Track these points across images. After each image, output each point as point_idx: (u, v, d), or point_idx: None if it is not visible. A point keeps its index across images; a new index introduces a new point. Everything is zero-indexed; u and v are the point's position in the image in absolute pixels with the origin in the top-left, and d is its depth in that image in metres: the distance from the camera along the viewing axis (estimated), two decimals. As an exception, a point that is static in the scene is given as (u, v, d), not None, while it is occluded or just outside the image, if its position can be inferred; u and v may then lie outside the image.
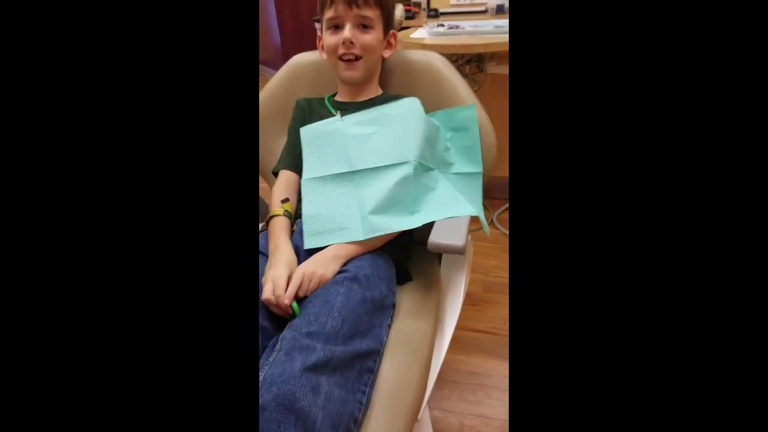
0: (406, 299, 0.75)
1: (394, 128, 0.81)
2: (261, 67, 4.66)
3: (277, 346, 0.57)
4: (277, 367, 0.52)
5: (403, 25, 1.47)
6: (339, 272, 0.68)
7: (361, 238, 0.72)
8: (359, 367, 0.57)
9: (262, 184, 1.04)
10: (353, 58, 0.83)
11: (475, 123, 0.85)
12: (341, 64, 0.84)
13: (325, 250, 0.72)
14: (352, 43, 0.81)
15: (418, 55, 0.93)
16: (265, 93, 1.02)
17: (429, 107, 0.86)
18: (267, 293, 0.63)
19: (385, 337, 0.64)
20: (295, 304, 0.63)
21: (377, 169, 0.78)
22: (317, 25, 2.46)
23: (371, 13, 0.80)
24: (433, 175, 0.82)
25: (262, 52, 4.50)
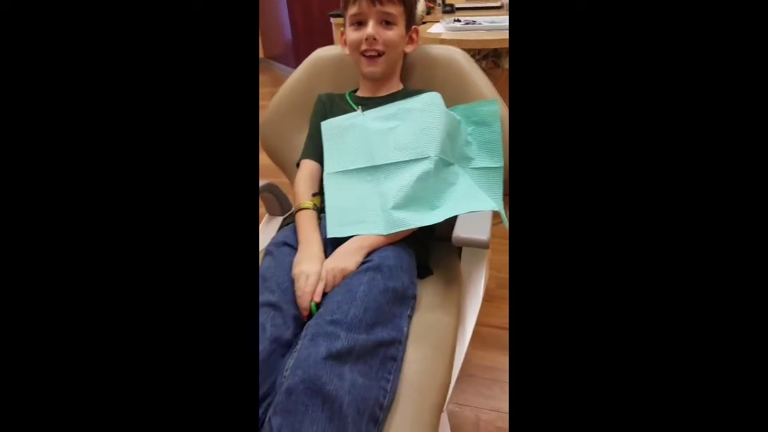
0: (428, 293, 0.76)
1: (415, 123, 0.82)
2: (272, 62, 4.68)
3: (302, 333, 0.58)
4: (303, 352, 0.54)
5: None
6: (363, 262, 0.69)
7: (384, 233, 0.73)
8: (382, 355, 0.58)
9: (282, 179, 1.05)
10: (375, 54, 0.83)
11: (497, 118, 0.85)
12: (363, 59, 0.85)
13: (348, 242, 0.73)
14: (375, 39, 0.81)
15: (439, 50, 0.94)
16: (285, 87, 1.03)
17: (450, 102, 0.87)
18: (300, 291, 0.65)
19: (405, 328, 0.64)
20: (313, 305, 0.65)
21: (398, 164, 0.79)
22: (332, 21, 2.46)
23: (394, 10, 0.81)
24: (453, 170, 0.83)
25: (274, 47, 4.51)
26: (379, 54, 0.83)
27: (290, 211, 1.08)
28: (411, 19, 0.86)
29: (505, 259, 1.53)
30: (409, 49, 0.89)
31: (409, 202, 0.76)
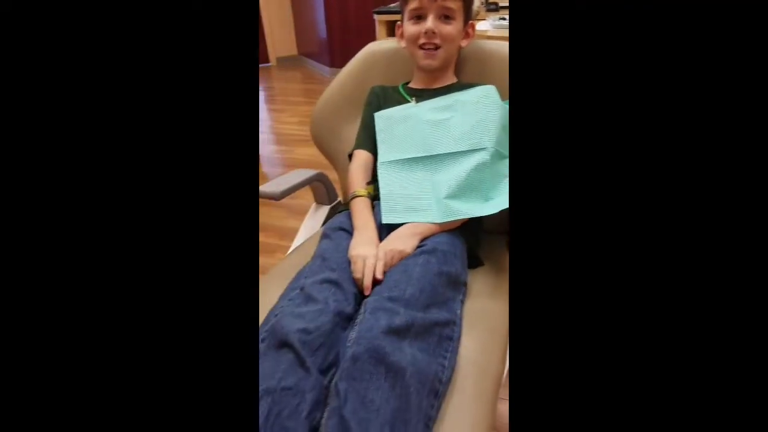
0: (479, 281, 0.77)
1: (470, 115, 0.83)
2: (306, 59, 4.75)
3: (361, 309, 0.61)
4: (364, 324, 0.56)
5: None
6: (418, 246, 0.71)
7: (438, 221, 0.75)
8: (439, 333, 0.59)
9: (330, 173, 1.08)
10: (433, 47, 0.85)
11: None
12: (420, 52, 0.86)
13: (402, 227, 0.75)
14: (433, 33, 0.83)
15: (492, 46, 0.95)
16: (337, 82, 1.06)
17: (503, 97, 0.88)
18: (358, 272, 0.68)
19: (459, 311, 0.66)
20: None
21: (453, 155, 0.80)
22: (375, 17, 2.48)
23: (454, 5, 0.82)
24: (506, 163, 0.84)
25: (308, 45, 4.58)
26: (437, 47, 0.85)
27: (336, 201, 1.11)
28: (468, 14, 0.88)
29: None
30: (464, 43, 0.91)
31: (463, 192, 0.77)
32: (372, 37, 2.86)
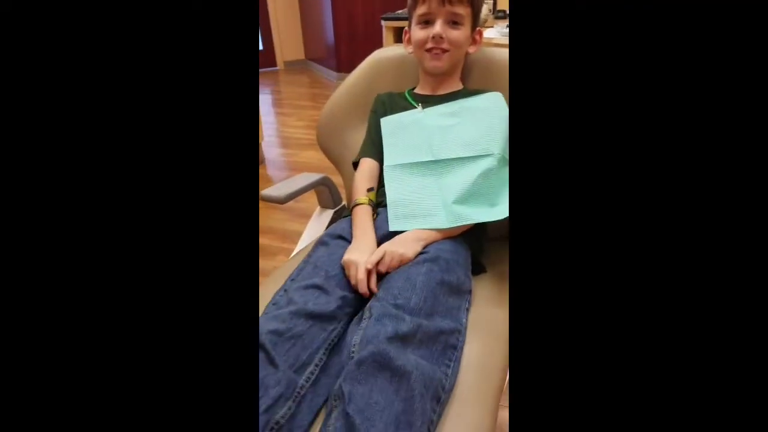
0: (483, 287, 0.77)
1: (477, 121, 0.83)
2: (313, 64, 4.78)
3: (366, 314, 0.60)
4: (370, 330, 0.56)
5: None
6: (420, 253, 0.71)
7: (445, 227, 0.75)
8: (444, 342, 0.59)
9: (336, 177, 1.08)
10: (441, 51, 0.85)
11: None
12: (427, 55, 0.86)
13: (407, 231, 0.75)
14: (441, 38, 0.83)
15: (499, 53, 0.95)
16: (343, 88, 1.06)
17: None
18: (352, 278, 0.68)
19: (464, 320, 0.66)
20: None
21: (460, 160, 0.80)
22: (383, 23, 2.49)
23: (462, 11, 0.83)
24: (512, 170, 0.84)
25: (316, 50, 4.61)
26: (444, 51, 0.85)
27: (340, 205, 1.11)
28: (476, 21, 0.88)
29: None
30: (472, 50, 0.91)
31: (469, 197, 0.77)
32: (379, 43, 2.88)
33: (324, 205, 1.10)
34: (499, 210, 0.76)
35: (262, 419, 0.50)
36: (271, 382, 0.53)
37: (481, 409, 0.56)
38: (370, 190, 0.85)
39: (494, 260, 0.85)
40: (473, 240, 0.81)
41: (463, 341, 0.63)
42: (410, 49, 0.91)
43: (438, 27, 0.82)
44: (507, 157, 0.81)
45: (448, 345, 0.60)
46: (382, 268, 0.68)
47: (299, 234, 1.07)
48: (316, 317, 0.61)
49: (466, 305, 0.69)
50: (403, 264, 0.69)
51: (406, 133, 0.87)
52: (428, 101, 0.90)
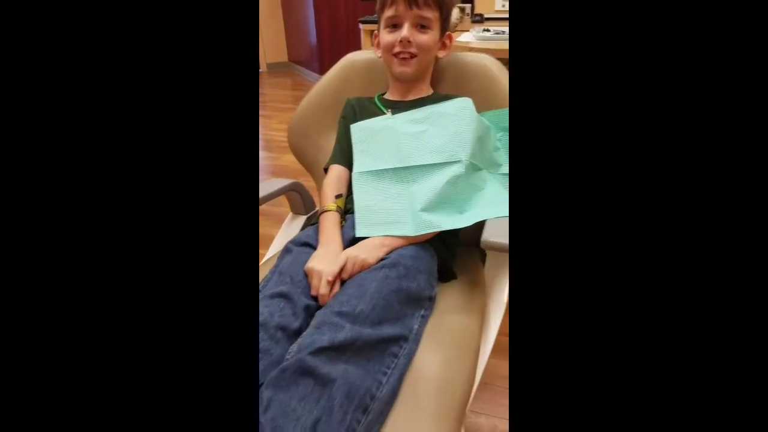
0: (452, 296, 0.76)
1: (446, 127, 0.82)
2: (296, 66, 4.75)
3: (312, 322, 0.60)
4: (306, 339, 0.56)
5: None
6: (381, 259, 0.70)
7: (412, 234, 0.74)
8: (383, 350, 0.58)
9: (308, 182, 1.06)
10: (408, 56, 0.84)
11: (527, 125, 0.85)
12: (395, 59, 0.86)
13: (372, 238, 0.73)
14: (409, 42, 0.82)
15: (471, 58, 0.94)
16: (315, 90, 1.05)
17: (480, 108, 0.87)
18: (314, 290, 0.67)
19: (416, 326, 0.64)
20: None
21: (428, 167, 0.79)
22: (361, 26, 2.48)
23: (430, 14, 0.82)
24: (482, 175, 0.83)
25: (298, 52, 4.58)
26: (412, 56, 0.84)
27: (312, 212, 1.09)
28: (446, 25, 0.87)
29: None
30: (441, 54, 0.90)
31: (438, 204, 0.76)
32: (360, 46, 2.87)
33: (296, 211, 1.08)
34: (467, 217, 0.75)
35: None
36: None
37: (443, 421, 0.55)
38: (338, 196, 0.83)
39: (466, 267, 0.85)
40: (443, 246, 0.80)
41: (411, 349, 0.61)
42: (380, 53, 0.89)
43: (405, 30, 0.81)
44: (476, 163, 0.80)
45: (388, 353, 0.58)
46: (345, 275, 0.67)
47: (272, 239, 1.05)
48: (281, 330, 0.60)
49: (422, 312, 0.67)
50: (364, 269, 0.68)
51: (375, 139, 0.86)
52: (398, 107, 0.89)
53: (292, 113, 1.06)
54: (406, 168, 0.80)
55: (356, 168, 0.84)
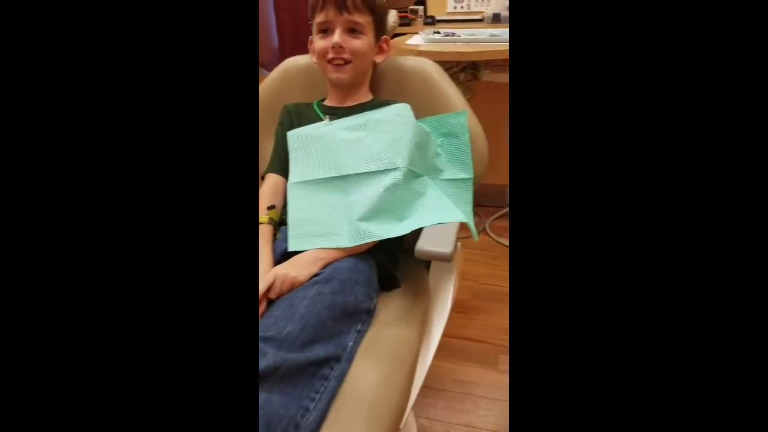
0: (393, 306, 0.75)
1: (383, 134, 0.81)
2: (260, 69, 4.67)
3: None
4: None
5: (399, 32, 1.47)
6: (315, 275, 0.67)
7: (348, 245, 0.72)
8: (312, 374, 0.56)
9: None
10: (342, 62, 0.82)
11: (465, 129, 0.84)
12: (330, 66, 0.84)
13: (305, 252, 0.71)
14: (341, 47, 0.80)
15: (411, 62, 0.93)
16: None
17: (420, 114, 0.86)
18: None
19: (351, 343, 0.62)
20: None
21: (366, 175, 0.78)
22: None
23: (362, 19, 0.80)
24: (422, 182, 0.82)
25: (262, 54, 4.51)
26: (346, 62, 0.82)
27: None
28: (381, 29, 0.86)
29: (483, 270, 1.52)
30: (379, 59, 0.88)
31: (376, 213, 0.74)
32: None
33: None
34: (407, 224, 0.74)
35: None
36: None
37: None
38: (270, 207, 0.81)
39: (409, 275, 0.83)
40: (385, 254, 0.78)
41: (344, 369, 0.59)
42: (315, 58, 0.87)
43: (337, 36, 0.80)
44: (415, 169, 0.79)
45: (317, 376, 0.56)
46: (272, 295, 0.64)
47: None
48: None
49: (359, 327, 0.65)
50: (294, 288, 0.65)
51: (312, 147, 0.83)
52: (336, 113, 0.87)
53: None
54: (342, 177, 0.79)
55: (292, 178, 0.82)
